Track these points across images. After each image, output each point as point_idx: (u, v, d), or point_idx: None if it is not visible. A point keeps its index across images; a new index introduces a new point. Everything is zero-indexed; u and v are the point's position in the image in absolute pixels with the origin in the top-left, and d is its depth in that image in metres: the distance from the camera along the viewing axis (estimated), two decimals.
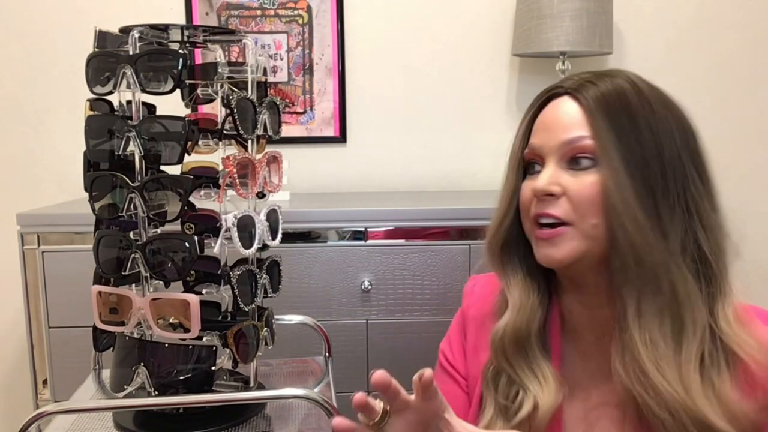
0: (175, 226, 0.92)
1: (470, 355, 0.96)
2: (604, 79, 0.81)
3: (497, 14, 2.16)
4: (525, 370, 0.83)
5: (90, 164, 0.92)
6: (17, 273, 1.67)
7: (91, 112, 0.94)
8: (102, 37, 0.94)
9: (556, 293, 0.88)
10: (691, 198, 0.79)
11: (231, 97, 0.91)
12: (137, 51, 0.88)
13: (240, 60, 0.94)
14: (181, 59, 0.86)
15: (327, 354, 1.22)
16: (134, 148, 0.86)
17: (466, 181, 2.21)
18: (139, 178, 0.88)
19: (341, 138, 2.19)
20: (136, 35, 0.89)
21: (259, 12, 2.14)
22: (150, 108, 0.97)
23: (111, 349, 0.96)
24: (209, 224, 0.94)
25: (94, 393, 1.06)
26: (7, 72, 2.13)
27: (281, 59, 2.15)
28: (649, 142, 0.78)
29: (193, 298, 0.88)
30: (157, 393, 0.89)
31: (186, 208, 0.89)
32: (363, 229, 1.72)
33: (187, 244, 0.87)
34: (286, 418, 0.98)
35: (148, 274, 0.88)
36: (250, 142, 0.95)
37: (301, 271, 1.71)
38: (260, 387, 1.05)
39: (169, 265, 0.88)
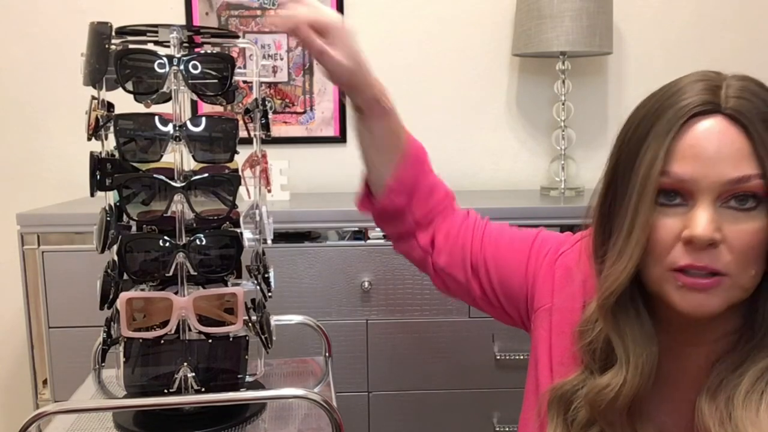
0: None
1: (539, 287, 0.89)
2: (753, 91, 0.69)
3: (497, 14, 2.16)
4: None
5: (97, 166, 0.93)
6: (17, 273, 1.67)
7: (97, 111, 0.94)
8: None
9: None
10: None
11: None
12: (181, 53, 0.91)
13: (239, 60, 0.95)
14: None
15: (327, 354, 1.22)
16: (178, 150, 0.90)
17: (466, 181, 2.20)
18: (181, 179, 0.91)
19: (341, 138, 2.19)
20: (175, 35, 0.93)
21: (259, 12, 2.14)
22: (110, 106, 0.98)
23: (123, 353, 0.96)
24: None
25: (94, 393, 1.07)
26: (7, 72, 2.13)
27: (281, 59, 2.15)
28: None
29: (239, 290, 0.91)
30: (204, 390, 0.92)
31: (233, 207, 0.93)
32: (363, 229, 1.72)
33: (234, 240, 0.93)
34: (286, 418, 0.99)
35: (195, 273, 0.90)
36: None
37: (301, 271, 1.71)
38: (260, 387, 1.05)
39: (219, 261, 0.92)
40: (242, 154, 0.97)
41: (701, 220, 0.66)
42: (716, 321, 0.73)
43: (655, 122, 0.70)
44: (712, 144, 0.67)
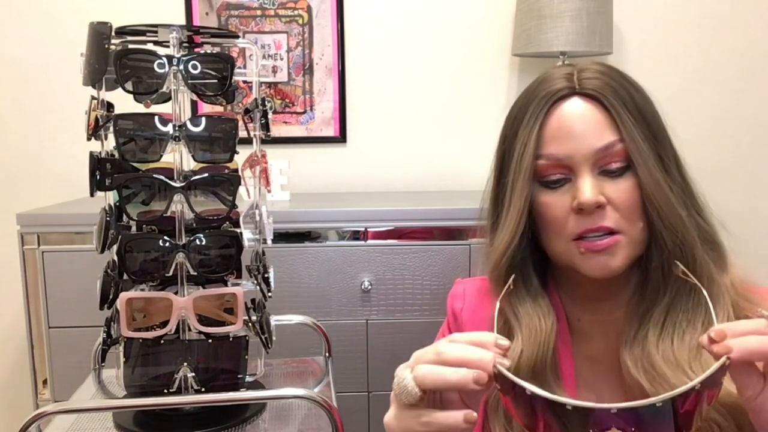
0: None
1: None
2: (598, 71, 0.79)
3: (497, 14, 2.17)
4: None
5: (97, 166, 0.93)
6: (17, 273, 1.67)
7: (97, 111, 0.94)
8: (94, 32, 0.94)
9: (560, 304, 0.85)
10: (686, 173, 0.80)
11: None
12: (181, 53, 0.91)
13: (239, 60, 0.95)
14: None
15: (327, 354, 1.22)
16: (177, 150, 0.89)
17: (466, 181, 2.21)
18: (181, 179, 0.90)
19: (341, 138, 2.19)
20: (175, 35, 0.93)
21: (259, 12, 2.14)
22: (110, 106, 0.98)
23: (123, 352, 0.96)
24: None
25: (94, 393, 1.07)
26: (8, 72, 2.13)
27: (281, 59, 2.15)
28: (659, 129, 0.78)
29: (239, 290, 0.91)
30: (204, 390, 0.92)
31: (232, 207, 0.93)
32: (363, 229, 1.72)
33: (234, 240, 0.93)
34: (286, 418, 0.99)
35: (195, 273, 0.90)
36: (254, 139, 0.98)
37: (301, 271, 1.71)
38: (260, 387, 1.05)
39: (219, 261, 0.92)
40: (242, 154, 0.97)
41: (585, 187, 0.75)
42: (624, 277, 0.80)
43: (524, 113, 0.79)
44: (576, 122, 0.76)
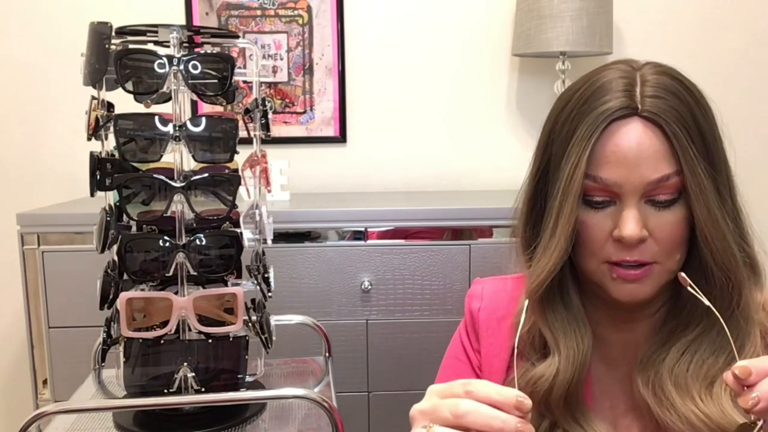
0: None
1: (484, 359, 0.91)
2: (662, 86, 0.73)
3: (497, 14, 2.16)
4: (571, 422, 0.77)
5: (97, 166, 0.93)
6: (17, 273, 1.67)
7: (97, 111, 0.94)
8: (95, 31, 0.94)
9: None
10: (737, 199, 0.76)
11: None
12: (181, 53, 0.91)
13: (239, 60, 0.95)
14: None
15: (327, 354, 1.22)
16: (178, 150, 0.90)
17: (466, 181, 2.21)
18: (181, 179, 0.91)
19: (341, 138, 2.19)
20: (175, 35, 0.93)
21: (259, 12, 2.14)
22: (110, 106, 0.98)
23: (123, 352, 0.96)
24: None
25: (94, 393, 1.07)
26: (7, 72, 2.13)
27: (281, 59, 2.15)
28: (719, 155, 0.74)
29: (239, 290, 0.91)
30: (204, 390, 0.92)
31: (233, 207, 0.93)
32: (363, 229, 1.72)
33: (234, 240, 0.93)
34: (286, 418, 0.99)
35: (195, 273, 0.90)
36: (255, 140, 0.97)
37: (301, 271, 1.71)
38: (260, 387, 1.05)
39: (219, 261, 0.92)
40: (242, 154, 0.98)
41: (629, 221, 0.71)
42: (638, 305, 0.77)
43: (577, 125, 0.73)
44: (632, 149, 0.71)
